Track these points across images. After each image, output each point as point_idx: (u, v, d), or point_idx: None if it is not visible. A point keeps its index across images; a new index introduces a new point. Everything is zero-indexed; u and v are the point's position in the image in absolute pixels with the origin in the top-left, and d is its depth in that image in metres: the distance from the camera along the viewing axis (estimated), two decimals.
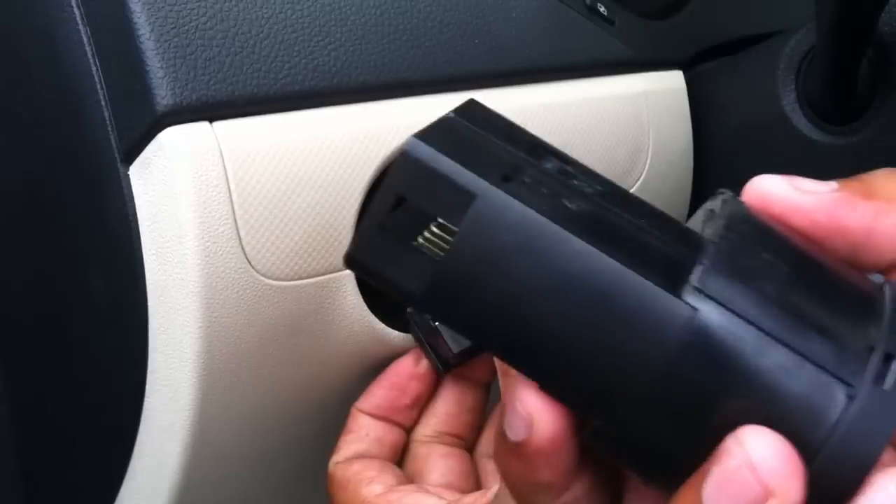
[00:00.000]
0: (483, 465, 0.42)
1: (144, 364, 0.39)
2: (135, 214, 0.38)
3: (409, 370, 0.42)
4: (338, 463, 0.41)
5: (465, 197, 0.23)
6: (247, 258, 0.37)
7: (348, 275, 0.41)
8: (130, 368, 0.40)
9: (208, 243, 0.36)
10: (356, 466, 0.40)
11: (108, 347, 0.42)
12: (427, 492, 0.39)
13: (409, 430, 0.43)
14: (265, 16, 0.39)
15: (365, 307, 0.41)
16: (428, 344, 0.41)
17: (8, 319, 0.49)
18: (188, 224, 0.36)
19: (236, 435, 0.41)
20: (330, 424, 0.45)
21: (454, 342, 0.40)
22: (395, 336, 0.43)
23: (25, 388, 0.50)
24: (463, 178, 0.23)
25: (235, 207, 0.37)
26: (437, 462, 0.41)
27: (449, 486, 0.40)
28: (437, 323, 0.40)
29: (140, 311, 0.38)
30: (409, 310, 0.41)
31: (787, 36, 0.55)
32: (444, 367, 0.41)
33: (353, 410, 0.42)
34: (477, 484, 0.42)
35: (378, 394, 0.42)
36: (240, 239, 0.37)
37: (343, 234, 0.40)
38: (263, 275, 0.38)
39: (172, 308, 0.37)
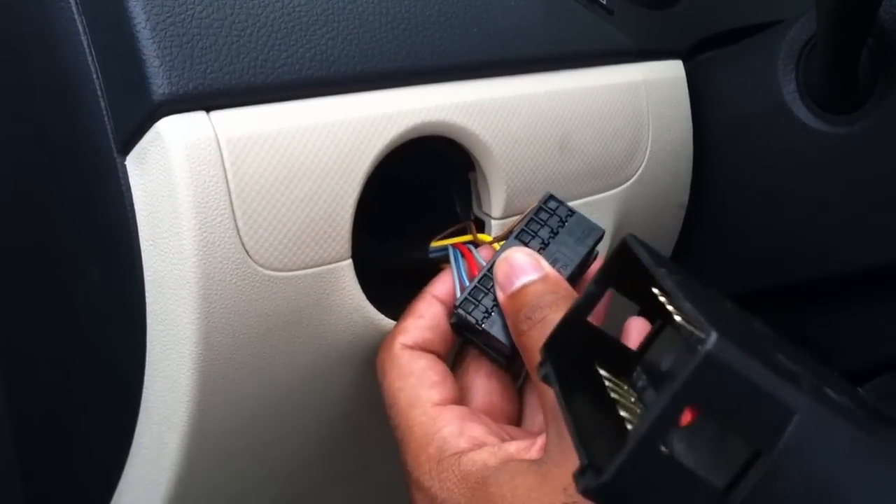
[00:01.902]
0: (526, 399, 0.43)
1: (142, 355, 0.39)
2: (132, 205, 0.38)
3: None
4: (406, 346, 0.41)
5: (782, 413, 0.19)
6: (244, 249, 0.37)
7: (346, 265, 0.41)
8: (128, 359, 0.40)
9: (206, 234, 0.36)
10: (423, 362, 0.40)
11: (106, 339, 0.42)
12: (479, 421, 0.39)
13: None
14: (262, 5, 0.39)
15: (363, 297, 0.41)
16: (484, 345, 0.42)
17: (5, 311, 0.49)
18: (185, 214, 0.36)
19: (234, 425, 0.41)
20: (328, 414, 0.45)
21: (504, 336, 0.41)
22: (392, 325, 0.43)
23: (23, 379, 0.50)
24: (779, 390, 0.19)
25: (233, 198, 0.37)
26: (483, 381, 0.42)
27: (491, 406, 0.41)
28: (482, 326, 0.41)
29: (138, 301, 0.38)
30: (452, 321, 0.42)
31: (787, 25, 0.55)
32: (507, 360, 0.42)
33: (427, 295, 0.42)
34: (518, 411, 0.43)
35: (452, 283, 0.42)
36: (237, 229, 0.37)
37: (341, 224, 0.40)
38: (261, 265, 0.38)
39: (170, 299, 0.37)
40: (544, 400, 0.36)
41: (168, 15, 0.37)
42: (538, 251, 0.42)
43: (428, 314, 0.42)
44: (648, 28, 0.55)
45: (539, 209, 0.43)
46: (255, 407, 0.41)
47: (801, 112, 0.54)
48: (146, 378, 0.40)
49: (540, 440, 0.36)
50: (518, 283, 0.40)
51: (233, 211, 0.37)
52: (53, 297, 0.45)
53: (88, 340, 0.44)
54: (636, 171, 0.52)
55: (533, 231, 0.43)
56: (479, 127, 0.44)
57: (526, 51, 0.47)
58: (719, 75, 0.58)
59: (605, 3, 0.52)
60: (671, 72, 0.56)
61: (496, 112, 0.45)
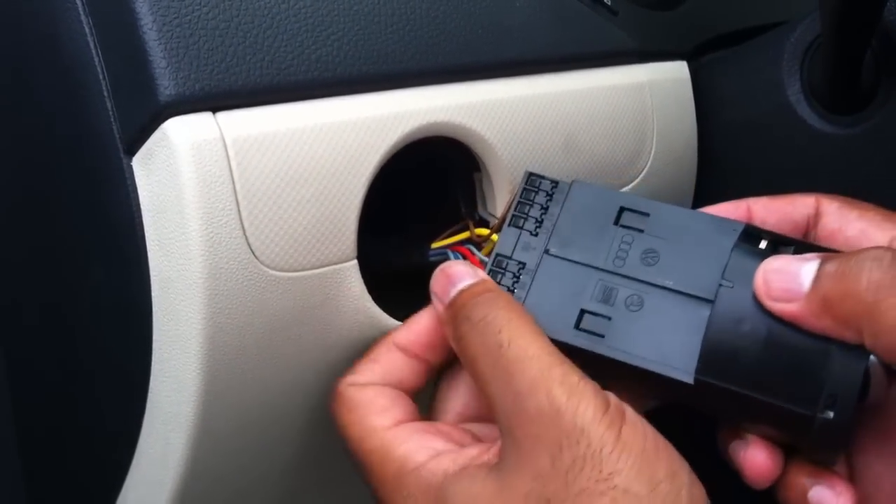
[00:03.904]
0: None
1: (149, 355, 0.39)
2: (138, 206, 0.38)
3: None
4: (351, 385, 0.40)
5: None
6: (251, 249, 0.37)
7: (351, 265, 0.41)
8: (134, 360, 0.40)
9: (212, 234, 0.36)
10: (370, 393, 0.39)
11: (113, 339, 0.42)
12: (436, 432, 0.38)
13: (435, 367, 0.42)
14: (268, 6, 0.39)
15: (368, 297, 0.41)
16: None
17: (11, 312, 0.50)
18: (192, 215, 0.36)
19: (240, 425, 0.41)
20: None
21: None
22: (397, 325, 0.43)
23: (28, 380, 0.51)
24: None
25: (239, 198, 0.37)
26: (459, 393, 0.41)
27: (465, 419, 0.40)
28: None
29: (144, 302, 0.38)
30: None
31: (792, 26, 0.55)
32: None
33: (388, 341, 0.41)
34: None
35: (417, 331, 0.41)
36: (244, 230, 0.37)
37: (346, 224, 0.40)
38: (267, 266, 0.38)
39: (176, 299, 0.37)
40: (495, 402, 0.35)
41: (175, 16, 0.37)
42: (535, 230, 0.41)
43: (382, 359, 0.41)
44: (653, 29, 0.55)
45: (524, 190, 0.42)
46: (260, 406, 0.41)
47: (806, 113, 0.54)
48: (152, 378, 0.40)
49: (498, 443, 0.36)
50: (455, 291, 0.39)
51: (239, 211, 0.37)
52: (59, 297, 0.45)
53: (94, 340, 0.44)
54: (641, 172, 0.52)
55: (524, 213, 0.42)
56: (484, 128, 0.44)
57: (531, 52, 0.47)
58: (724, 76, 0.58)
59: (609, 4, 0.52)
60: (675, 73, 0.56)
61: (501, 113, 0.45)
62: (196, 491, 0.41)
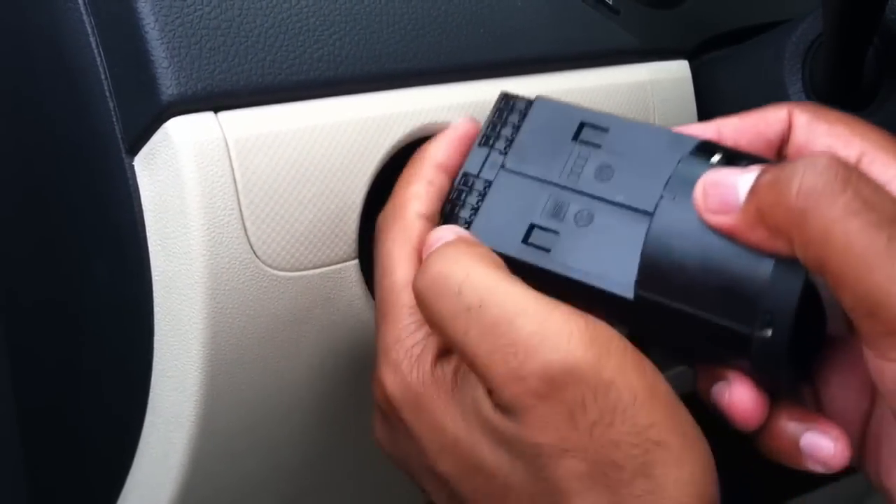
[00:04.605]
0: None
1: (150, 355, 0.39)
2: (140, 205, 0.38)
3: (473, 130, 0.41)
4: (421, 215, 0.38)
5: None
6: (252, 249, 0.37)
7: (353, 265, 0.41)
8: (136, 359, 0.40)
9: (214, 234, 0.36)
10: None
11: (114, 338, 0.42)
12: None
13: None
14: (270, 5, 0.39)
15: (370, 297, 0.41)
16: None
17: (13, 311, 0.49)
18: (193, 215, 0.36)
19: (242, 425, 0.41)
20: (335, 413, 0.45)
21: None
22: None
23: (30, 379, 0.50)
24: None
25: (241, 198, 0.37)
26: None
27: None
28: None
29: (145, 301, 0.39)
30: None
31: (793, 25, 0.55)
32: None
33: (431, 160, 0.40)
34: None
35: (457, 149, 0.41)
36: (245, 230, 0.37)
37: (348, 224, 0.40)
38: (269, 265, 0.38)
39: (178, 299, 0.37)
40: (482, 366, 0.33)
41: (176, 16, 0.37)
42: (504, 149, 0.40)
43: (437, 182, 0.40)
44: (654, 28, 0.55)
45: (497, 110, 0.41)
46: (261, 406, 0.41)
47: None
48: (153, 378, 0.40)
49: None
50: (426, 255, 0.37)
51: (241, 211, 0.37)
52: (61, 297, 0.45)
53: (95, 340, 0.44)
54: None
55: (495, 133, 0.41)
56: None
57: (532, 51, 0.47)
58: (725, 75, 0.58)
59: (610, 3, 0.52)
60: (677, 71, 0.56)
61: None
62: (197, 491, 0.41)
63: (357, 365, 0.43)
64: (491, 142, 0.40)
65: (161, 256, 0.37)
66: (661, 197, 0.35)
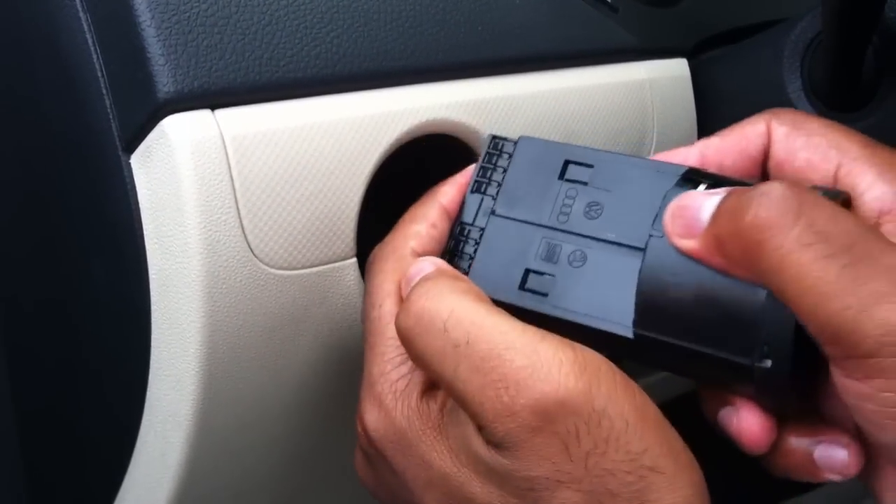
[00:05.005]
0: None
1: (147, 353, 0.39)
2: (137, 203, 0.38)
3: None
4: (416, 252, 0.38)
5: None
6: (249, 247, 0.37)
7: (350, 263, 0.40)
8: (133, 358, 0.40)
9: (211, 232, 0.36)
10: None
11: (111, 337, 0.42)
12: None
13: None
14: (267, 3, 0.39)
15: None
16: None
17: (10, 310, 0.49)
18: (190, 213, 0.36)
19: (239, 424, 0.41)
20: (332, 412, 0.45)
21: None
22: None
23: (28, 378, 0.50)
24: None
25: (238, 196, 0.37)
26: None
27: None
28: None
29: (143, 300, 0.38)
30: None
31: (792, 23, 0.55)
32: None
33: (438, 204, 0.40)
34: None
35: (458, 194, 0.41)
36: (242, 228, 0.37)
37: (346, 222, 0.40)
38: (266, 264, 0.38)
39: (175, 297, 0.37)
40: (471, 402, 0.33)
41: (173, 13, 0.36)
42: (496, 194, 0.40)
43: (440, 226, 0.40)
44: (653, 26, 0.55)
45: (487, 154, 0.41)
46: (259, 405, 0.41)
47: (806, 110, 0.54)
48: (151, 376, 0.40)
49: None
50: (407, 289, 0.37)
51: (238, 209, 0.37)
52: (58, 295, 0.45)
53: (93, 339, 0.44)
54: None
55: (487, 178, 0.41)
56: (484, 125, 0.44)
57: (531, 49, 0.47)
58: (724, 73, 0.58)
59: (609, 1, 0.52)
60: (676, 70, 0.55)
61: (501, 110, 0.45)
62: (195, 490, 0.41)
63: (354, 363, 0.43)
64: (483, 188, 0.40)
65: (158, 254, 0.37)
66: (650, 236, 0.35)
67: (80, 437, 0.48)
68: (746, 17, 0.61)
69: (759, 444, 0.35)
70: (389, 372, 0.36)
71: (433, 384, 0.36)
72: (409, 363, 0.36)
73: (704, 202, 0.33)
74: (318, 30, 0.40)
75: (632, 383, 0.33)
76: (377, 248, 0.40)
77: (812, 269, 0.30)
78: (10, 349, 0.50)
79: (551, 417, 0.31)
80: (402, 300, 0.37)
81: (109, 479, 0.44)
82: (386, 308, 0.37)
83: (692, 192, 0.35)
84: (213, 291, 0.37)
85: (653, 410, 0.32)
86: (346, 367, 0.43)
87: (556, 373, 0.32)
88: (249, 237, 0.37)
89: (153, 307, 0.38)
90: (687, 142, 0.56)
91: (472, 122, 0.43)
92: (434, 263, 0.37)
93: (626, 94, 0.51)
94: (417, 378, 0.36)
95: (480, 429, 0.33)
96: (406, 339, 0.35)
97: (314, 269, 0.39)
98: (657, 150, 0.53)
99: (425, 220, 0.40)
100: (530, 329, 0.33)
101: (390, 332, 0.37)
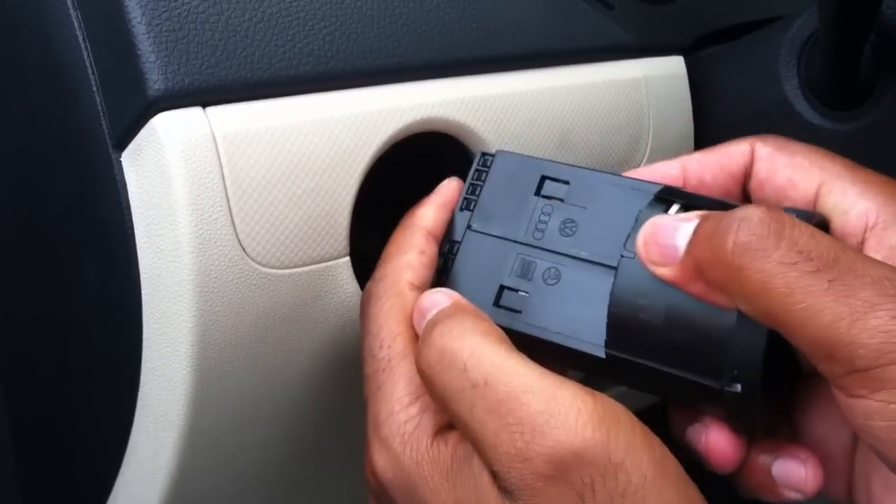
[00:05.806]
0: None
1: (138, 353, 0.39)
2: (127, 202, 0.37)
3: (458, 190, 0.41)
4: (414, 286, 0.38)
5: None
6: (241, 246, 0.37)
7: (343, 262, 0.40)
8: (125, 358, 0.40)
9: (202, 231, 0.36)
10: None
11: (102, 337, 0.42)
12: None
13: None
14: None
15: (360, 295, 0.41)
16: None
17: (4, 310, 0.49)
18: (181, 211, 0.36)
19: (231, 424, 0.41)
20: (325, 412, 0.44)
21: None
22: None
23: (20, 379, 0.50)
24: None
25: (229, 194, 0.37)
26: None
27: None
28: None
29: (134, 299, 0.38)
30: None
31: (789, 21, 0.55)
32: None
33: (420, 229, 0.40)
34: None
35: (444, 218, 0.40)
36: (234, 226, 0.37)
37: (339, 221, 0.40)
38: (258, 263, 0.38)
39: (166, 296, 0.37)
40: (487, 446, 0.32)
41: (164, 10, 0.36)
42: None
43: (429, 251, 0.39)
44: (649, 24, 0.55)
45: (475, 171, 0.41)
46: (251, 404, 0.41)
47: (803, 108, 0.54)
48: (142, 376, 0.39)
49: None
50: (424, 323, 0.36)
51: (229, 208, 0.37)
52: (48, 294, 0.45)
53: (84, 338, 0.44)
54: (637, 167, 0.52)
55: (475, 195, 0.40)
56: (478, 123, 0.44)
57: (526, 46, 0.47)
58: (721, 71, 0.58)
59: None
60: (672, 68, 0.55)
61: (496, 108, 0.44)
62: (187, 490, 0.41)
63: (347, 363, 0.43)
64: (472, 205, 0.40)
65: (149, 253, 0.37)
66: (622, 256, 0.35)
67: (72, 437, 0.48)
68: (743, 14, 0.61)
69: (728, 463, 0.35)
70: (398, 412, 0.35)
71: (444, 428, 0.35)
72: (419, 404, 0.35)
73: (679, 228, 0.33)
74: (310, 27, 0.40)
75: (652, 435, 0.32)
76: (370, 285, 0.39)
77: (799, 286, 0.29)
78: (4, 351, 0.50)
79: (566, 467, 0.30)
80: (416, 336, 0.36)
81: (101, 480, 0.44)
82: (396, 348, 0.37)
83: (664, 217, 0.34)
84: (205, 291, 0.37)
85: (673, 464, 0.31)
86: (339, 366, 0.43)
87: (573, 421, 0.31)
88: (241, 236, 0.37)
89: (144, 306, 0.38)
90: (683, 139, 0.56)
91: (466, 119, 0.43)
92: (450, 297, 0.37)
93: (622, 92, 0.51)
94: (427, 420, 0.35)
95: (494, 475, 0.32)
96: (427, 377, 0.34)
97: (307, 269, 0.39)
98: (653, 148, 0.53)
99: (413, 249, 0.39)
100: (549, 374, 0.32)
101: (400, 371, 0.36)
